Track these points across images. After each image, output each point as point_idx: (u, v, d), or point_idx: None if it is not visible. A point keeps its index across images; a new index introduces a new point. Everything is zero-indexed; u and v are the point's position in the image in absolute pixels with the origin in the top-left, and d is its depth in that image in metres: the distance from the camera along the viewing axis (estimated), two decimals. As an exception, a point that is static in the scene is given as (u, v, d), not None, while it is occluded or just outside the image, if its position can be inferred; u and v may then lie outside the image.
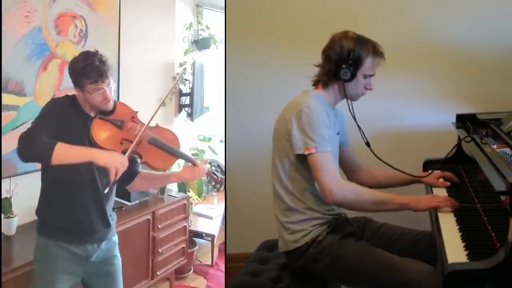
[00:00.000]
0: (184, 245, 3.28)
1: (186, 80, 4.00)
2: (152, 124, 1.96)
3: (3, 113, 2.44)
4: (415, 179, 2.22)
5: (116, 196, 2.13)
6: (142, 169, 2.08)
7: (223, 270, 3.63)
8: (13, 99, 2.50)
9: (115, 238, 2.04)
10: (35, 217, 1.95)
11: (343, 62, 1.94)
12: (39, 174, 1.91)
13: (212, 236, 3.69)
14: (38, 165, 1.99)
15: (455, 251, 1.56)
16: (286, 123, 1.93)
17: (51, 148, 1.66)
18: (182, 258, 3.29)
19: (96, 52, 1.85)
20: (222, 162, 4.01)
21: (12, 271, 2.09)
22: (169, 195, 3.27)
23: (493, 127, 2.15)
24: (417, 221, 2.30)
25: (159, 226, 3.03)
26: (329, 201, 1.87)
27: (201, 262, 3.79)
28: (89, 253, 1.92)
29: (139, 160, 1.97)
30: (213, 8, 4.25)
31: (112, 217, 2.00)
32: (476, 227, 1.69)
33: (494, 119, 2.24)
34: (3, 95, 2.44)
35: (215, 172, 2.09)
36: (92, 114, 1.88)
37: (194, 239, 3.69)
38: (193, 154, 3.85)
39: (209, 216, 3.88)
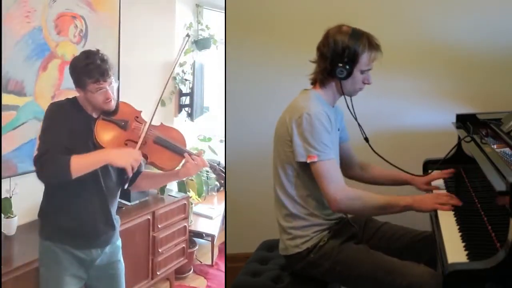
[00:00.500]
0: (184, 245, 3.28)
1: (186, 80, 4.00)
2: (157, 123, 1.92)
3: (3, 113, 2.43)
4: (408, 180, 2.21)
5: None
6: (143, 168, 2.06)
7: (223, 270, 3.63)
8: (13, 99, 2.50)
9: (119, 243, 2.01)
10: (35, 217, 1.94)
11: (339, 60, 1.89)
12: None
13: (212, 236, 3.69)
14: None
15: (455, 251, 1.56)
16: (286, 127, 1.91)
17: (67, 165, 1.65)
18: (182, 258, 3.29)
19: (97, 51, 1.82)
20: (222, 162, 4.01)
21: (12, 271, 2.08)
22: (169, 195, 3.27)
23: (493, 127, 2.14)
24: (417, 221, 2.29)
25: (159, 226, 3.03)
26: (335, 209, 1.87)
27: (201, 262, 3.79)
28: (94, 257, 1.90)
29: (144, 161, 1.91)
30: (213, 8, 4.24)
31: (117, 220, 1.97)
32: (476, 227, 1.69)
33: (494, 119, 2.23)
34: (3, 95, 2.44)
35: (219, 167, 2.02)
36: (95, 115, 1.84)
37: (194, 239, 3.69)
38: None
39: (209, 216, 3.88)
